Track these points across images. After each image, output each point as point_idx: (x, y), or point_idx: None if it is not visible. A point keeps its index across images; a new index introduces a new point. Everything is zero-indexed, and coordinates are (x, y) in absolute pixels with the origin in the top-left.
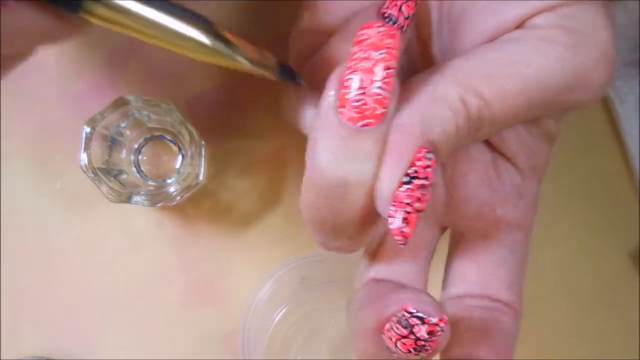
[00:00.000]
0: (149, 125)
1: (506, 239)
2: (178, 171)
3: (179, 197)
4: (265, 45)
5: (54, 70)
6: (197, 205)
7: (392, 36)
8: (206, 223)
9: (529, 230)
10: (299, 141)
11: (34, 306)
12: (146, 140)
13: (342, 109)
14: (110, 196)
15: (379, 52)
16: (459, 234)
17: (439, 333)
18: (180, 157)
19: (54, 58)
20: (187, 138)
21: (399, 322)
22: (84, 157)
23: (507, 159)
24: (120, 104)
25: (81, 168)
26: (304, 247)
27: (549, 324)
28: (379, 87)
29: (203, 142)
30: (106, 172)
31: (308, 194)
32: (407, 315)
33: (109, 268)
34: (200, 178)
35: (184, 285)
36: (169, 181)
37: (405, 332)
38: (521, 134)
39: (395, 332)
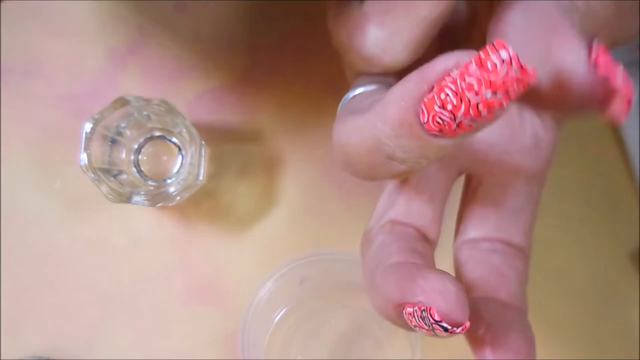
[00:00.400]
0: (149, 125)
1: (523, 188)
2: (178, 171)
3: (179, 197)
4: (266, 45)
5: (53, 70)
6: (197, 205)
7: (521, 82)
8: (206, 223)
9: (543, 182)
10: (299, 142)
11: (34, 306)
12: (146, 140)
13: (424, 110)
14: (110, 196)
15: (495, 93)
16: (477, 181)
17: (459, 334)
18: (180, 157)
19: (54, 58)
20: (187, 138)
21: (421, 318)
22: (84, 157)
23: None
24: (120, 104)
25: (81, 168)
26: (304, 247)
27: (549, 323)
28: (474, 121)
29: (203, 142)
30: (106, 172)
31: (352, 136)
32: (432, 320)
33: (109, 268)
34: (200, 178)
35: (184, 285)
36: (169, 181)
37: (425, 327)
38: None
39: (415, 320)
